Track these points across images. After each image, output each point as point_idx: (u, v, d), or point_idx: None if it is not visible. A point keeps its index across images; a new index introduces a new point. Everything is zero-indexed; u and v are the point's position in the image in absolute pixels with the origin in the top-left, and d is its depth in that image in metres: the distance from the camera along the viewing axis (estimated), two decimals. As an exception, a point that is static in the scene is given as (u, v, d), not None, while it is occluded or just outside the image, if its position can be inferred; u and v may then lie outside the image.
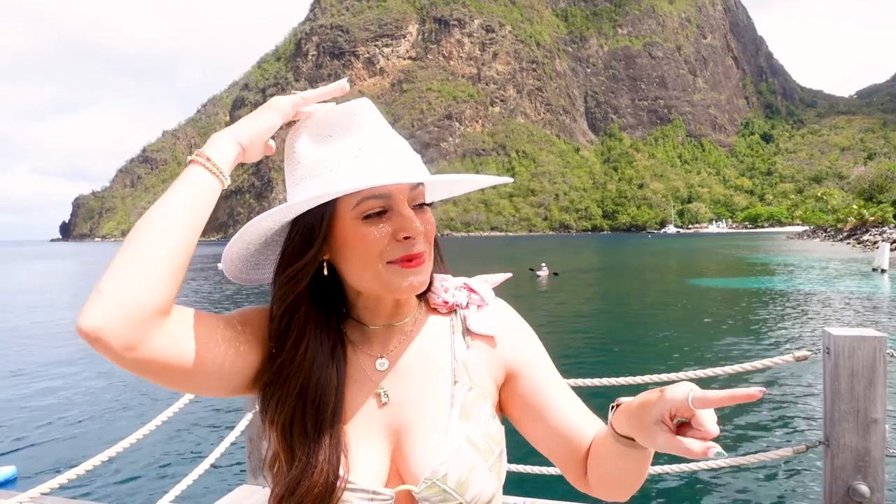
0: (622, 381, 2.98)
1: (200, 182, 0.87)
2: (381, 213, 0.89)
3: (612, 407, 0.87)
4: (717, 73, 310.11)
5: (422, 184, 0.95)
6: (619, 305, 22.29)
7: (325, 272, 0.95)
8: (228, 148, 0.92)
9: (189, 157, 0.91)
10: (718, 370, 2.87)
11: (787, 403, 8.90)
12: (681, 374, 2.76)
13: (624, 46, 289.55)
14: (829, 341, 2.59)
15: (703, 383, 9.31)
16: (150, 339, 0.78)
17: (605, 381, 3.03)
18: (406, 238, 0.89)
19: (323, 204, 0.89)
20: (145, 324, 0.77)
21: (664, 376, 2.82)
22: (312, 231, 0.90)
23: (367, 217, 0.89)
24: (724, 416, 8.40)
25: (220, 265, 1.00)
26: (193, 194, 0.86)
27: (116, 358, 0.77)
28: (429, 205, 0.97)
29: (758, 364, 2.84)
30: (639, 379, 2.95)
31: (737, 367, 2.91)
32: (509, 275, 1.11)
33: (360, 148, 0.90)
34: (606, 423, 0.89)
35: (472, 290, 1.02)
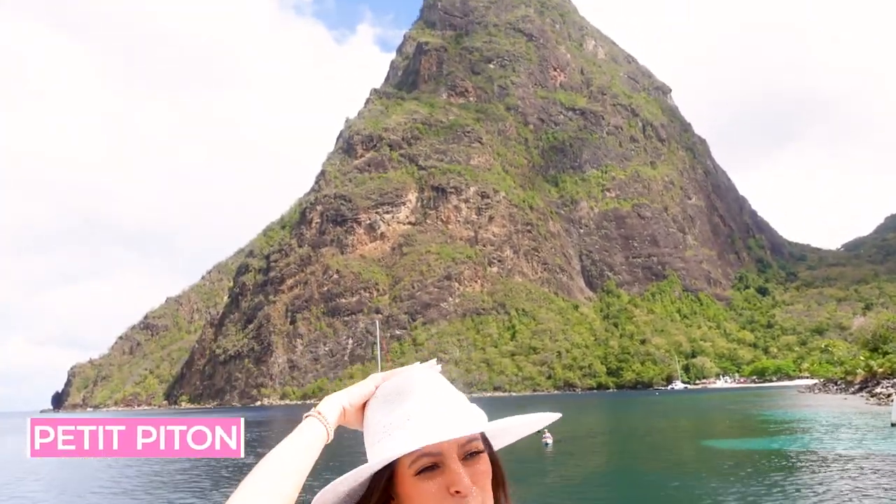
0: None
1: (315, 433, 1.12)
2: (434, 468, 1.07)
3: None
4: (706, 231, 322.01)
5: (475, 435, 1.13)
6: (629, 473, 20.89)
7: None
8: (336, 408, 1.16)
9: (306, 414, 1.16)
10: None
11: None
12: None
13: (613, 208, 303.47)
14: None
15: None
16: None
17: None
18: (457, 492, 1.04)
19: (386, 465, 1.09)
20: None
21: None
22: (375, 488, 1.12)
23: (420, 472, 1.07)
24: None
25: None
26: (308, 442, 1.10)
27: None
28: (483, 451, 1.14)
29: None
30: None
31: None
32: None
33: (409, 416, 1.10)
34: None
35: None
